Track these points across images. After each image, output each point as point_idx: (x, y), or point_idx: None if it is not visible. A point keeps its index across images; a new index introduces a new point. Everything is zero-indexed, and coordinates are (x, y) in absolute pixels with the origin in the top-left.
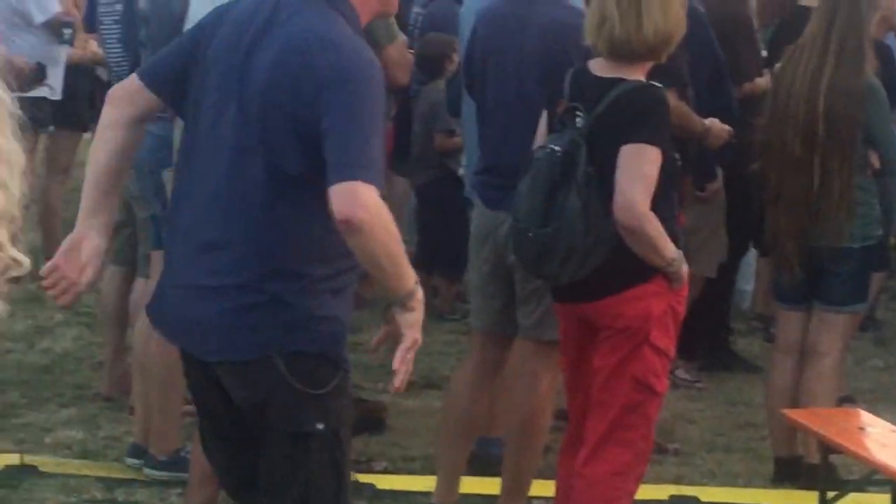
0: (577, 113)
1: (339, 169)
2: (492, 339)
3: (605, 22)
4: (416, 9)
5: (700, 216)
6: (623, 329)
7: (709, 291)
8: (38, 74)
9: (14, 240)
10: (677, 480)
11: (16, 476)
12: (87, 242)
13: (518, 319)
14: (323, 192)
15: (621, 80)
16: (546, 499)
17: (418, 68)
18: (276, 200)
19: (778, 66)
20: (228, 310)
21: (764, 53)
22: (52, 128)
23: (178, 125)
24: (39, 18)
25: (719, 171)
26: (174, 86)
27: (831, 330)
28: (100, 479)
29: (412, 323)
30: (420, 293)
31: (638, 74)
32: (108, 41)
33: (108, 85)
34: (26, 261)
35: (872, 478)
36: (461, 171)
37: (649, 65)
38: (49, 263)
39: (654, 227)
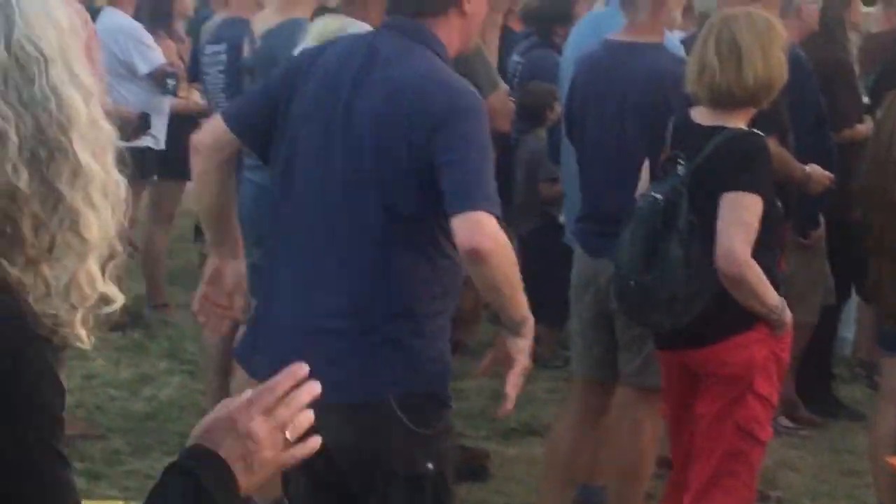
0: (679, 161)
1: (461, 200)
2: (593, 385)
3: (706, 70)
4: (515, 57)
5: (802, 262)
6: (726, 376)
7: (811, 338)
8: (143, 124)
9: (109, 274)
10: None
11: None
12: (227, 269)
13: (619, 366)
14: (433, 231)
15: (722, 127)
16: None
17: (519, 117)
18: (390, 241)
19: (879, 112)
20: (344, 352)
21: (866, 100)
22: (155, 177)
23: None
24: (144, 69)
25: (821, 218)
26: (258, 131)
27: None
28: None
29: (522, 349)
30: (531, 321)
31: (739, 122)
32: (212, 91)
33: None
34: (119, 297)
35: None
36: (561, 219)
37: (751, 112)
38: (197, 296)
39: (756, 275)
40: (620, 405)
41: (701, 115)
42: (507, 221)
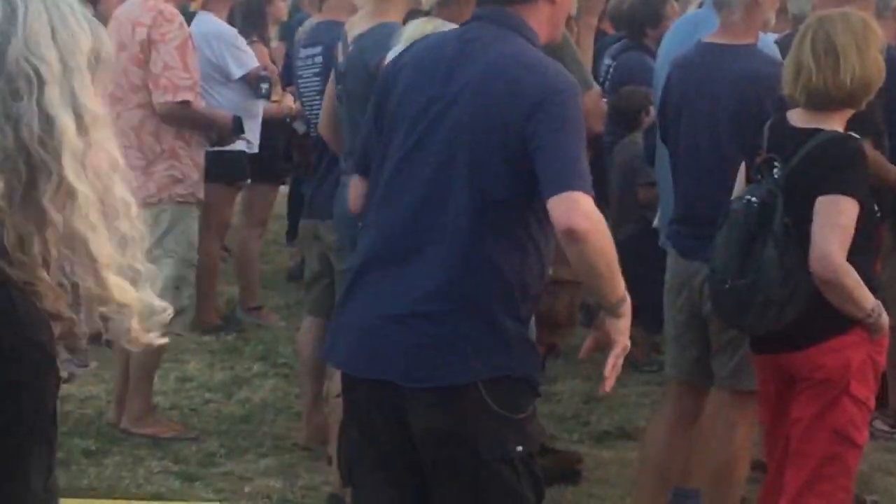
0: (775, 164)
1: (556, 181)
2: (687, 389)
3: (802, 71)
4: (606, 60)
5: None
6: (822, 380)
7: None
8: (236, 128)
9: (150, 286)
10: None
11: None
12: None
13: (714, 369)
14: (525, 216)
15: (818, 130)
16: None
17: (614, 121)
18: (482, 226)
19: None
20: (436, 336)
21: None
22: (248, 181)
23: None
24: (237, 73)
25: None
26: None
27: None
28: None
29: (622, 329)
30: (629, 300)
31: (836, 124)
32: (307, 94)
33: (305, 137)
34: (165, 306)
35: None
36: (655, 223)
37: (848, 113)
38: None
39: (852, 279)
40: (714, 408)
41: (797, 118)
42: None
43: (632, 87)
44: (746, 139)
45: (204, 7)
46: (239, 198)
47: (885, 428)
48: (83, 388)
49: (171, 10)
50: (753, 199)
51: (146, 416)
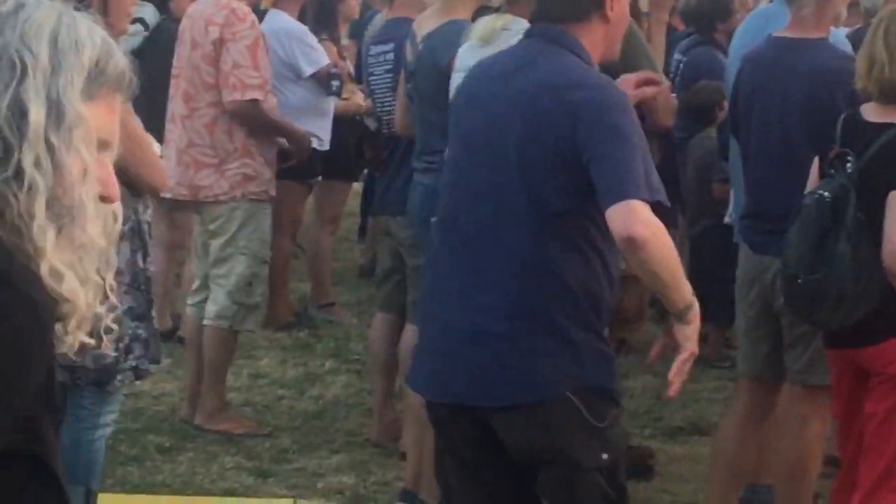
0: (848, 158)
1: (613, 191)
2: (760, 384)
3: (875, 65)
4: (676, 56)
5: None
6: (895, 375)
7: None
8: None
9: (83, 286)
10: None
11: None
12: None
13: (786, 364)
14: (585, 226)
15: (892, 125)
16: None
17: (688, 117)
18: (543, 239)
19: None
20: (512, 353)
21: None
22: (320, 178)
23: None
24: (308, 71)
25: None
26: None
27: None
28: None
29: (689, 335)
30: (696, 306)
31: None
32: (378, 91)
33: (376, 134)
34: (98, 317)
35: None
36: (727, 219)
37: None
38: None
39: None
40: (787, 403)
41: (871, 112)
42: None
43: (706, 82)
44: (817, 133)
45: (275, 5)
46: (311, 196)
47: None
48: (157, 386)
49: (244, 8)
50: (826, 193)
51: (219, 413)
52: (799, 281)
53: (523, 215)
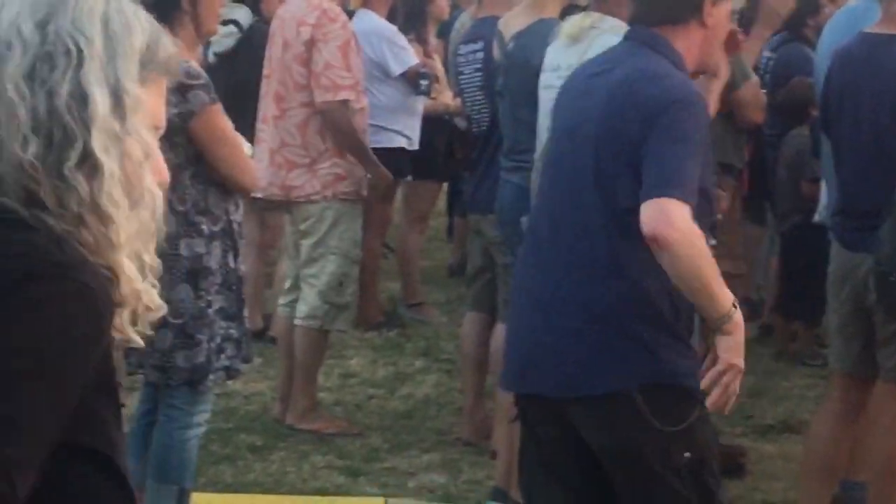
0: None
1: (652, 187)
2: (852, 381)
3: None
4: (766, 53)
5: None
6: None
7: None
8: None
9: (150, 282)
10: None
11: None
12: None
13: (879, 361)
14: None
15: None
16: None
17: (780, 114)
18: (615, 235)
19: None
20: (586, 345)
21: None
22: (409, 177)
23: (536, 175)
24: (397, 70)
25: None
26: None
27: None
28: None
29: (727, 347)
30: (738, 317)
31: None
32: (468, 90)
33: (465, 134)
34: (162, 305)
35: None
36: (816, 217)
37: None
38: None
39: None
40: (879, 401)
41: None
42: (760, 220)
43: (799, 79)
44: None
45: (364, 5)
46: (400, 194)
47: None
48: (248, 385)
49: (336, 8)
50: None
51: (311, 412)
52: (891, 278)
53: (597, 213)
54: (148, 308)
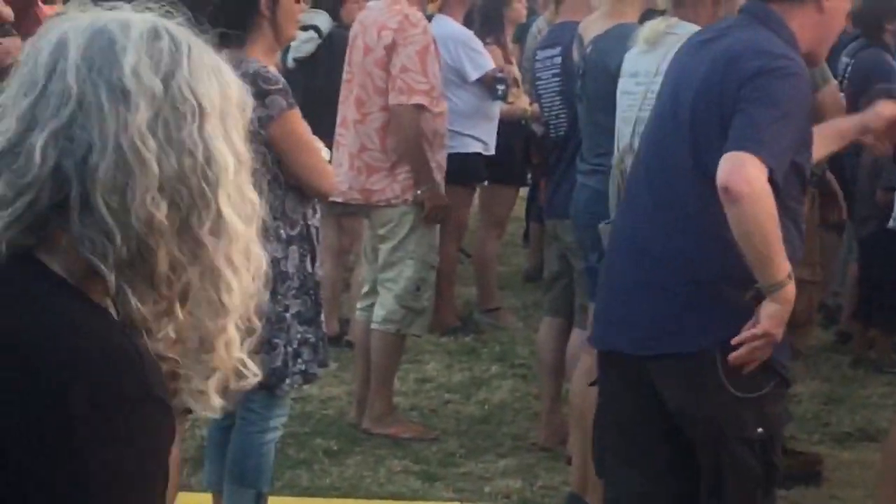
0: None
1: (736, 140)
2: None
3: None
4: (844, 59)
5: None
6: None
7: None
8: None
9: (246, 348)
10: None
11: None
12: None
13: None
14: None
15: None
16: None
17: None
18: (708, 200)
19: None
20: (666, 305)
21: None
22: (486, 182)
23: (614, 179)
24: (474, 75)
25: None
26: None
27: None
28: None
29: (771, 314)
30: (790, 289)
31: None
32: (546, 95)
33: (542, 139)
34: (256, 372)
35: None
36: (890, 224)
37: None
38: None
39: None
40: None
41: None
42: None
43: (883, 86)
44: None
45: (441, 10)
46: (476, 200)
47: None
48: (324, 390)
49: (418, 14)
50: None
51: (387, 417)
52: None
53: (689, 174)
54: (241, 376)
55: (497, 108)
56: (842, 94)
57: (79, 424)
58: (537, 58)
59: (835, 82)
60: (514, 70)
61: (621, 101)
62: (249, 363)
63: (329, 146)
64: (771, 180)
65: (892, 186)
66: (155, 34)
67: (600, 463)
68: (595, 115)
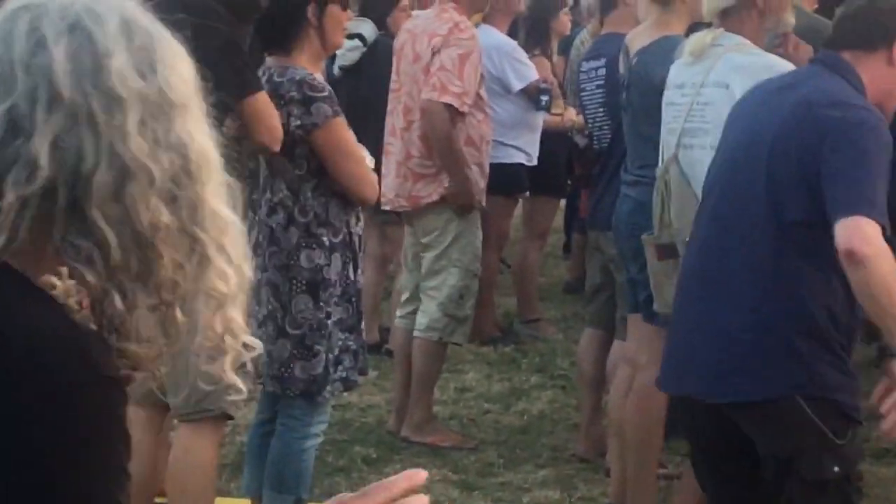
0: None
1: (844, 205)
2: None
3: None
4: None
5: None
6: None
7: None
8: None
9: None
10: None
11: None
12: None
13: None
14: (826, 243)
15: None
16: None
17: None
18: (783, 247)
19: None
20: (744, 353)
21: None
22: (528, 193)
23: (657, 191)
24: (517, 86)
25: None
26: None
27: None
28: None
29: None
30: None
31: None
32: (590, 106)
33: (585, 151)
34: (258, 343)
35: None
36: None
37: None
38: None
39: None
40: None
41: None
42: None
43: None
44: None
45: (485, 20)
46: (518, 210)
47: None
48: (364, 397)
49: (467, 22)
50: None
51: (426, 425)
52: None
53: (764, 223)
54: (250, 349)
55: (540, 118)
56: None
57: (29, 415)
58: (581, 69)
59: None
60: (556, 82)
61: (666, 113)
62: (252, 340)
63: (373, 154)
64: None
65: None
66: (128, 28)
67: (704, 488)
68: (639, 127)
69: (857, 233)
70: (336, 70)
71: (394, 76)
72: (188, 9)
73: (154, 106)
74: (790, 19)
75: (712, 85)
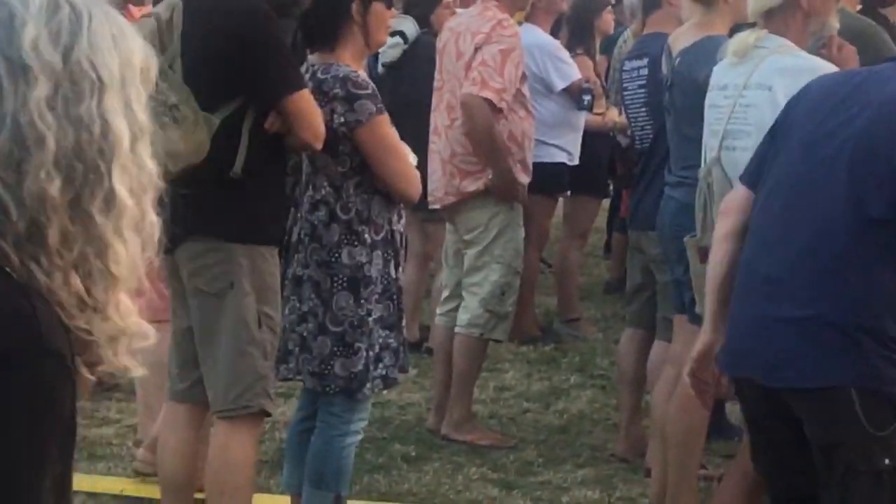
0: None
1: None
2: None
3: None
4: None
5: None
6: None
7: None
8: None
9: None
10: None
11: None
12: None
13: None
14: None
15: None
16: None
17: None
18: (856, 242)
19: None
20: (802, 341)
21: None
22: (569, 193)
23: (700, 192)
24: (560, 85)
25: None
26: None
27: None
28: None
29: None
30: None
31: None
32: (632, 106)
33: (627, 151)
34: (152, 332)
35: None
36: None
37: None
38: (687, 370)
39: None
40: None
41: None
42: None
43: None
44: None
45: (528, 19)
46: (560, 210)
47: None
48: (403, 395)
49: (511, 21)
50: None
51: (466, 424)
52: None
53: (842, 217)
54: (143, 338)
55: (582, 118)
56: None
57: None
58: (624, 68)
59: None
60: (598, 81)
61: (709, 114)
62: (145, 326)
63: (415, 151)
64: None
65: None
66: (55, 5)
67: (763, 473)
68: (682, 127)
69: None
70: (380, 68)
71: (437, 74)
72: (231, 8)
73: (66, 81)
74: (835, 23)
75: (755, 87)
